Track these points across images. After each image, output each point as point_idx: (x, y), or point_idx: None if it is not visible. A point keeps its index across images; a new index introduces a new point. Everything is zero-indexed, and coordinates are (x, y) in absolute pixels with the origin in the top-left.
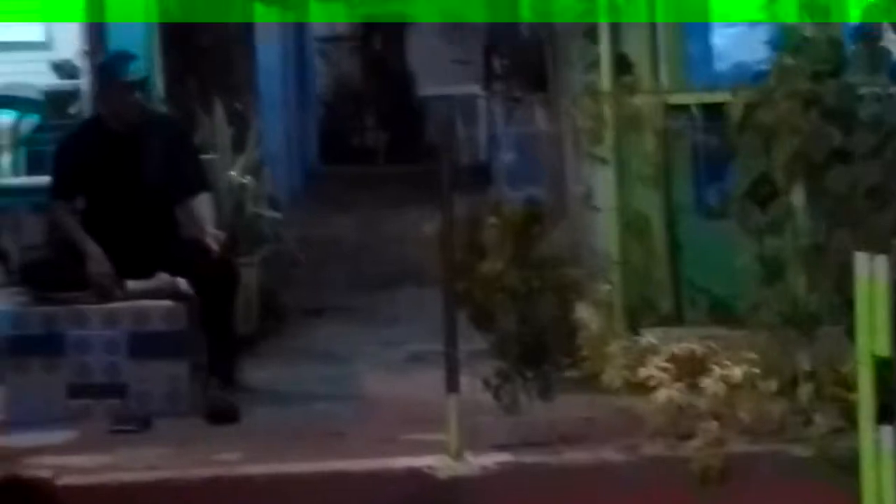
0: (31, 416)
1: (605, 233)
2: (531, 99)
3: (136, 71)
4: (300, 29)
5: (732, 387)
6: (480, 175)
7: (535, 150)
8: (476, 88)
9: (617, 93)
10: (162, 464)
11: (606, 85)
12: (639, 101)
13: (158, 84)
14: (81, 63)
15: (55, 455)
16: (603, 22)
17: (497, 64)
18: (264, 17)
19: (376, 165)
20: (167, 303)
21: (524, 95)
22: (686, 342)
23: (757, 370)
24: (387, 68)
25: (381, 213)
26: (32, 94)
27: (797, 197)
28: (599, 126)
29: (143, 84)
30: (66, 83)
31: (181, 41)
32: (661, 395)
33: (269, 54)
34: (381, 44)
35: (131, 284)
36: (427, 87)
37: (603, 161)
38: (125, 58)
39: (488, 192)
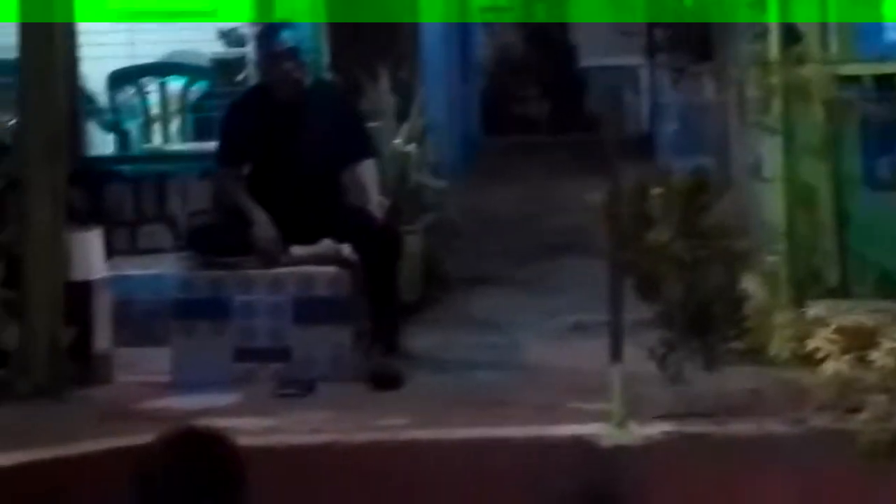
0: (198, 379)
1: (772, 203)
2: (696, 69)
3: (286, 40)
4: None
5: None
6: (643, 145)
7: (700, 119)
8: (639, 59)
9: (785, 63)
10: (326, 427)
11: (775, 55)
12: (808, 71)
13: (324, 52)
14: (248, 31)
15: (221, 417)
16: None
17: (661, 34)
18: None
19: (538, 135)
20: (331, 269)
21: (689, 65)
22: (854, 314)
23: None
24: (549, 38)
25: (543, 183)
26: (200, 62)
27: None
28: (767, 96)
29: (294, 53)
30: (233, 51)
31: None
32: (829, 367)
33: (432, 23)
34: (543, 14)
35: (296, 250)
36: (590, 58)
37: (771, 131)
38: (277, 27)
39: (652, 162)
